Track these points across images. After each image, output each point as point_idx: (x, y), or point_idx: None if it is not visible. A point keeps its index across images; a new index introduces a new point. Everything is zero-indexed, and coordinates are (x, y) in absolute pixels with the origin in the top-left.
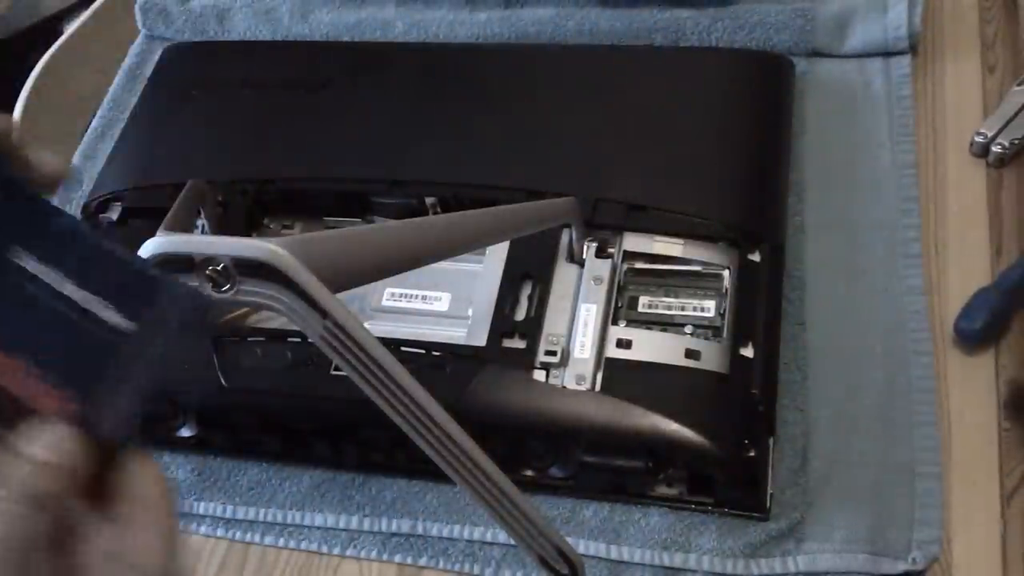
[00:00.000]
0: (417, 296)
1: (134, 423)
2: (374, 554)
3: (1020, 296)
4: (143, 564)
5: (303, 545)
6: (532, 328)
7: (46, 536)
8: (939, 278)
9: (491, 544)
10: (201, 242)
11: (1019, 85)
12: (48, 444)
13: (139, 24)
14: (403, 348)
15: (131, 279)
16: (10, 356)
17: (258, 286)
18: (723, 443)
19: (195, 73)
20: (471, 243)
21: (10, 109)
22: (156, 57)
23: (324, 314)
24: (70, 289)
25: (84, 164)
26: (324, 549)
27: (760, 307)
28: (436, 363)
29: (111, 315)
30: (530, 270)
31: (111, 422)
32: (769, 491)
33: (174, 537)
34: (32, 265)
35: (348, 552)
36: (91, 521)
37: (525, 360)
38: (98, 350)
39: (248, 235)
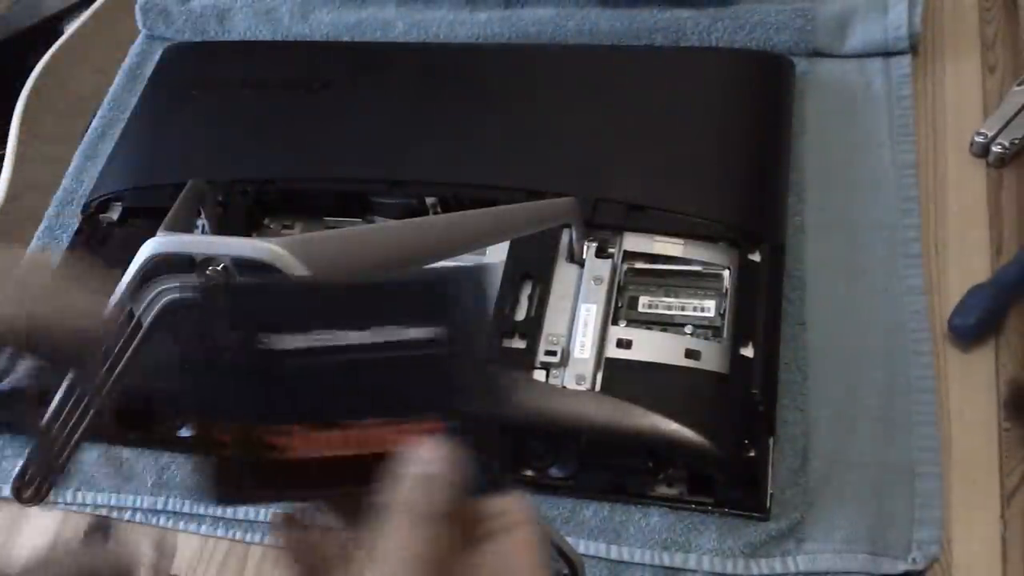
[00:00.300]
0: None
1: (498, 447)
2: None
3: (1015, 293)
4: None
5: None
6: (532, 328)
7: (449, 548)
8: (939, 278)
9: None
10: (201, 242)
11: (1019, 85)
12: (421, 460)
13: (139, 24)
14: None
15: (410, 292)
16: (354, 423)
17: None
18: (723, 443)
19: (195, 73)
20: (471, 243)
21: (10, 109)
22: (156, 57)
23: None
24: (360, 336)
25: (85, 164)
26: None
27: (760, 307)
28: None
29: (417, 332)
30: (530, 270)
31: (482, 437)
32: (769, 491)
33: (546, 556)
34: (300, 340)
35: None
36: (476, 539)
37: (525, 360)
38: (426, 368)
39: (248, 235)
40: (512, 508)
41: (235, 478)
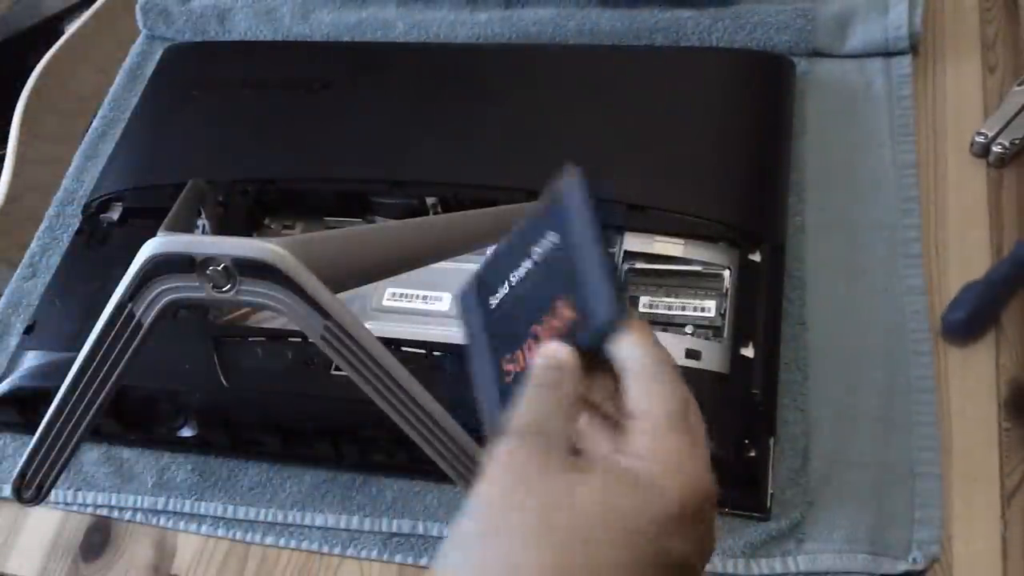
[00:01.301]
0: (418, 296)
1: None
2: (374, 554)
3: (1007, 288)
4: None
5: (303, 545)
6: None
7: (561, 406)
8: (939, 278)
9: None
10: (202, 242)
11: (1019, 85)
12: (542, 354)
13: (140, 24)
14: (403, 348)
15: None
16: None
17: (259, 286)
18: (723, 443)
19: (196, 73)
20: (471, 243)
21: (11, 109)
22: (157, 57)
23: (325, 314)
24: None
25: (85, 164)
26: (324, 549)
27: (760, 307)
28: (436, 363)
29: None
30: None
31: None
32: (769, 491)
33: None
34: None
35: (348, 552)
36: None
37: None
38: (558, 267)
39: (249, 235)
40: (633, 350)
41: None
